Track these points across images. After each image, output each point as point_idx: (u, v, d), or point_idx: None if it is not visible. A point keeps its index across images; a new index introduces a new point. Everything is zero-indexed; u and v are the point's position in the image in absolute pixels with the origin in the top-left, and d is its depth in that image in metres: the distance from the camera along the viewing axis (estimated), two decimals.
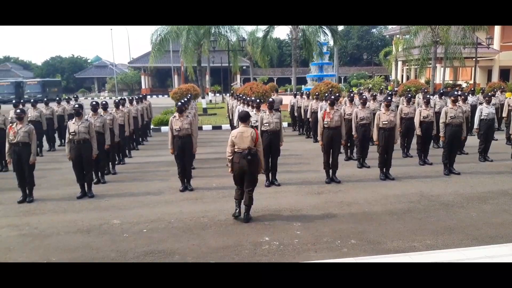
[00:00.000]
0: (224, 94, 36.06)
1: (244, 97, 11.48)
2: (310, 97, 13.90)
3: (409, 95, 10.06)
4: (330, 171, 7.86)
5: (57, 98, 13.33)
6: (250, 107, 9.27)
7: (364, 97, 9.14)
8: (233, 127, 14.07)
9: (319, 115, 8.25)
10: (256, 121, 8.08)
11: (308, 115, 12.78)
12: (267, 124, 7.55)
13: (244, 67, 45.35)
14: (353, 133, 9.00)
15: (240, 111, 10.73)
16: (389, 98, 8.10)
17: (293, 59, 22.56)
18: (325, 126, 7.71)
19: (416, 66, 26.53)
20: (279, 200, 6.70)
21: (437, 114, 9.35)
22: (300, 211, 6.18)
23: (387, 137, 7.91)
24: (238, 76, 47.49)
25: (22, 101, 12.55)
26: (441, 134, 8.29)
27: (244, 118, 5.81)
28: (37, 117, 11.22)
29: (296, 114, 14.56)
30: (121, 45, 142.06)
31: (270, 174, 7.67)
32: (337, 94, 9.00)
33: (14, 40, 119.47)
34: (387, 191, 7.17)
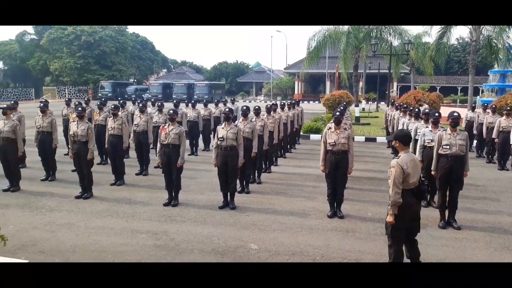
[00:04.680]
0: (378, 103, 33.51)
1: (411, 108, 9.66)
2: (496, 112, 11.11)
3: None
4: None
5: (215, 101, 13.80)
6: (422, 121, 7.55)
7: None
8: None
9: None
10: (432, 140, 6.39)
11: (494, 135, 10.16)
12: (448, 147, 5.80)
13: (401, 74, 41.52)
14: None
15: (404, 124, 9.07)
16: None
17: (470, 65, 18.87)
18: None
19: None
20: (463, 253, 4.93)
21: None
22: None
23: None
24: (395, 84, 43.88)
25: (192, 101, 13.40)
26: None
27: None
28: (195, 117, 11.65)
29: (475, 131, 11.85)
30: (279, 52, 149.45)
31: (446, 212, 5.89)
32: None
33: (190, 46, 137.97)
34: None
